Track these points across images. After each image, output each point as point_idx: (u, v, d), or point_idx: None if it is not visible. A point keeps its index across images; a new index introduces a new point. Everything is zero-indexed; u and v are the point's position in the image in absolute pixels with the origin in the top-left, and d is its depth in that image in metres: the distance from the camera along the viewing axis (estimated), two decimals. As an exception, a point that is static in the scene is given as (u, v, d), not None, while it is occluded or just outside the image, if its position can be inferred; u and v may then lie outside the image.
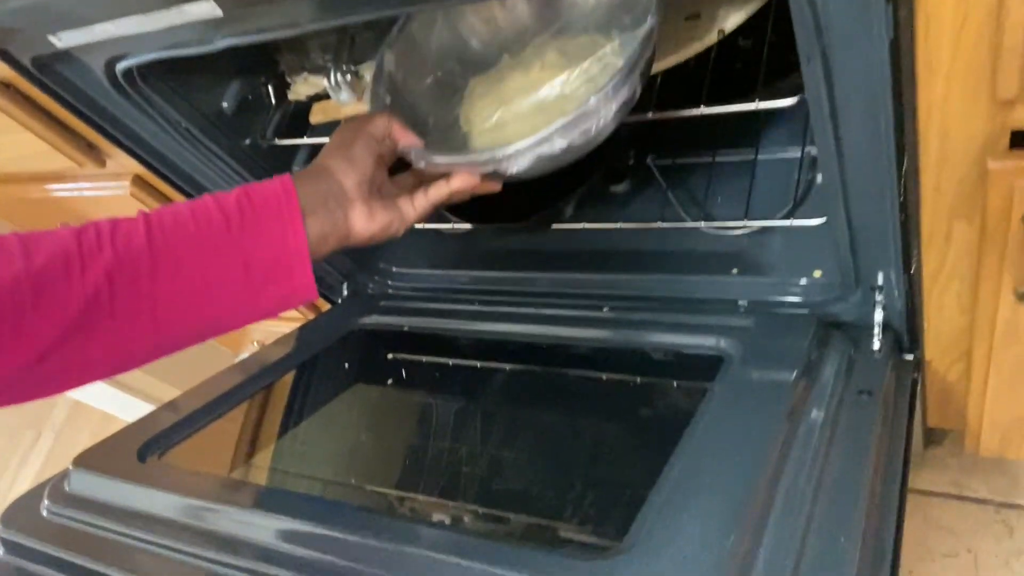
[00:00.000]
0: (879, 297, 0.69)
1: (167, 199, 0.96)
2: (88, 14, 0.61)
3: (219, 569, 0.59)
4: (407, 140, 0.65)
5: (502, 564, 0.50)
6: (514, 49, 0.73)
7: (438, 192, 0.66)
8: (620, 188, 0.93)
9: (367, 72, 0.80)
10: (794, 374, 0.65)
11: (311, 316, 1.13)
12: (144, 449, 0.72)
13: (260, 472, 0.81)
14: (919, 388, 0.74)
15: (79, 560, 0.63)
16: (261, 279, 0.58)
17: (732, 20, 0.68)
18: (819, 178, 0.79)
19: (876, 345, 0.69)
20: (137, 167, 0.88)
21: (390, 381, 0.92)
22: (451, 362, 0.92)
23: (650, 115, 0.72)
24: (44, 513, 0.69)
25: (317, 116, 0.84)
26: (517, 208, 0.92)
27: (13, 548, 0.66)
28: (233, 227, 0.57)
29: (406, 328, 0.93)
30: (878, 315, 0.69)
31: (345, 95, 0.78)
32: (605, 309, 0.83)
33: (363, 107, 0.79)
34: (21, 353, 0.50)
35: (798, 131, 0.85)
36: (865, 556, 0.49)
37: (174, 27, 0.61)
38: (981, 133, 0.51)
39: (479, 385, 0.88)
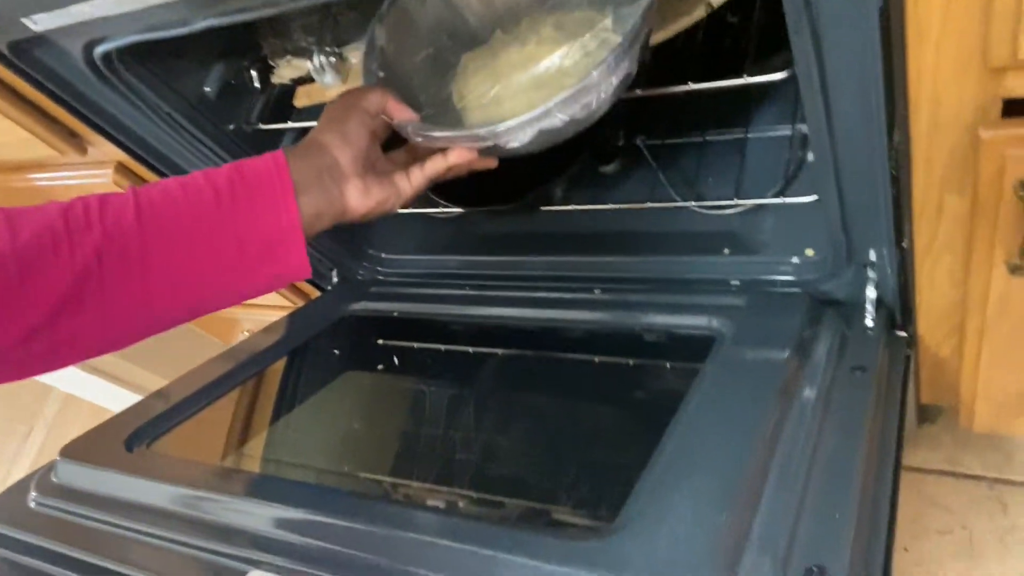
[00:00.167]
0: (871, 274, 0.69)
1: (151, 187, 0.94)
2: (62, -6, 0.60)
3: (210, 557, 0.58)
4: (403, 115, 0.64)
5: (495, 546, 0.50)
6: (507, 24, 0.72)
7: (434, 167, 0.65)
8: (610, 169, 0.92)
9: (351, 54, 0.79)
10: (787, 352, 0.64)
11: (300, 303, 1.12)
12: (132, 439, 0.71)
13: (251, 461, 0.81)
14: (912, 364, 0.74)
15: (67, 551, 0.62)
16: (253, 256, 0.57)
17: (718, -6, 0.67)
18: (810, 156, 0.78)
19: (869, 322, 0.69)
20: (119, 154, 0.86)
21: (381, 367, 0.92)
22: (442, 347, 0.91)
23: (638, 92, 0.71)
24: (32, 504, 0.68)
25: (302, 100, 0.83)
26: (506, 191, 0.91)
27: (1, 540, 0.66)
28: (224, 204, 0.56)
29: (396, 314, 0.92)
30: (870, 292, 0.69)
31: (329, 77, 0.77)
32: (597, 291, 0.83)
33: (347, 89, 0.78)
34: (8, 332, 0.49)
35: (788, 109, 0.84)
36: (860, 531, 0.49)
37: (152, 7, 0.60)
38: (972, 102, 0.50)
39: (470, 370, 0.87)
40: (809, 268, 0.75)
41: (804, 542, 0.47)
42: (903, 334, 0.73)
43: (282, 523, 0.58)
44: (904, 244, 0.65)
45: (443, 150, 0.64)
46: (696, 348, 0.69)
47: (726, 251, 0.81)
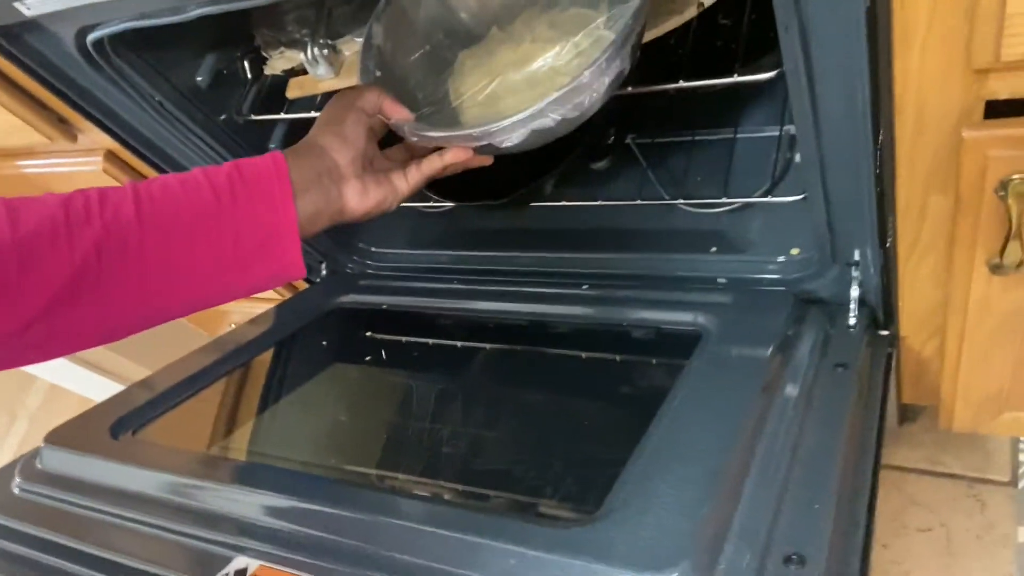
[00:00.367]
0: (855, 273, 0.70)
1: (140, 175, 0.94)
2: (55, -22, 0.60)
3: (195, 543, 0.58)
4: (399, 115, 0.64)
5: (480, 533, 0.50)
6: (503, 22, 0.72)
7: (431, 166, 0.66)
8: (600, 165, 0.93)
9: (345, 47, 0.79)
10: (771, 349, 0.65)
11: (289, 296, 1.12)
12: (117, 426, 0.71)
13: (236, 451, 0.80)
14: (894, 362, 0.75)
15: (51, 536, 0.62)
16: (249, 256, 0.58)
17: (710, -6, 0.67)
18: (797, 158, 0.79)
19: (852, 321, 0.70)
20: (110, 142, 0.86)
21: (369, 359, 0.92)
22: (430, 341, 0.91)
23: (630, 89, 0.72)
24: (16, 491, 0.68)
25: (294, 91, 0.83)
26: (498, 187, 0.92)
27: (-16, 525, 0.65)
28: (223, 203, 0.57)
29: (385, 307, 0.93)
30: (854, 291, 0.70)
31: (322, 69, 0.77)
32: (585, 287, 0.83)
33: (340, 82, 0.78)
34: (7, 322, 0.50)
35: (777, 110, 0.85)
36: (839, 523, 0.50)
37: (145, -7, 0.60)
38: (956, 103, 0.51)
39: (458, 363, 0.88)
40: (794, 267, 0.76)
41: (784, 532, 0.48)
42: (886, 333, 0.74)
43: (268, 510, 0.58)
44: (888, 244, 0.66)
45: (439, 149, 0.65)
46: (682, 344, 0.70)
47: (713, 249, 0.82)
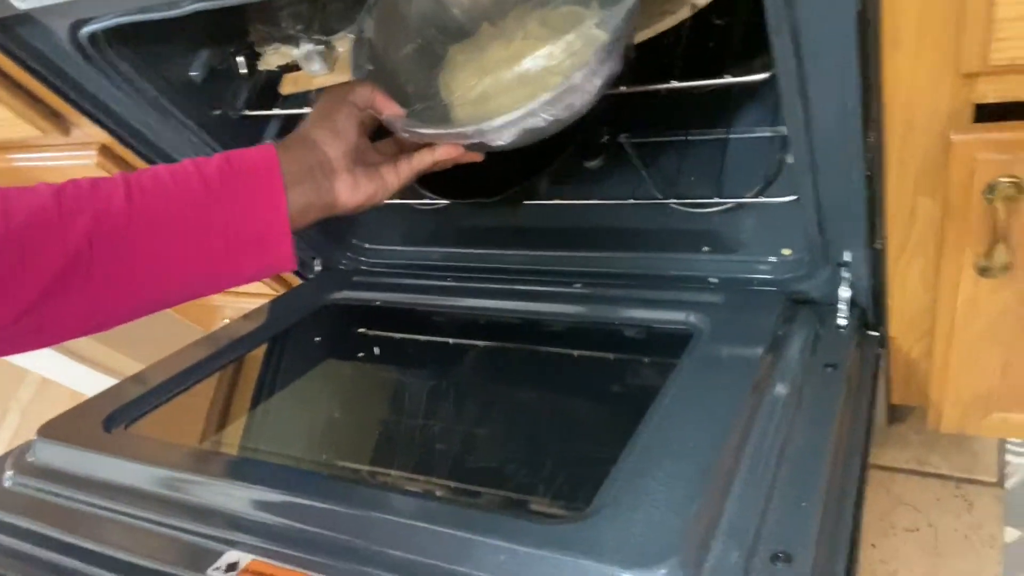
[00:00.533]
0: (846, 274, 0.70)
1: (133, 170, 0.94)
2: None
3: (187, 537, 0.58)
4: (391, 110, 0.65)
5: (471, 528, 0.51)
6: (495, 18, 0.72)
7: (422, 161, 0.66)
8: (594, 164, 0.93)
9: (339, 43, 0.79)
10: (761, 349, 0.66)
11: (282, 291, 1.12)
12: (110, 419, 0.71)
13: (229, 446, 0.81)
14: (883, 362, 0.75)
15: (43, 529, 0.62)
16: (239, 246, 0.58)
17: (703, -5, 0.68)
18: (789, 158, 0.79)
19: (842, 321, 0.71)
20: (103, 136, 0.86)
21: (361, 356, 0.92)
22: (423, 338, 0.92)
23: (623, 88, 0.72)
24: (7, 484, 0.68)
25: (287, 87, 0.83)
26: (491, 184, 0.92)
27: (-25, 519, 0.65)
28: (213, 193, 0.57)
29: (378, 303, 0.93)
30: (844, 292, 0.71)
31: (316, 65, 0.77)
32: (577, 285, 0.84)
33: (334, 78, 0.78)
34: (1, 312, 0.50)
35: (770, 111, 0.85)
36: (826, 521, 0.50)
37: (140, -13, 0.60)
38: (945, 106, 0.52)
39: (451, 360, 0.88)
40: (786, 267, 0.77)
41: (771, 530, 0.49)
42: (875, 334, 0.75)
43: (260, 504, 0.59)
44: (878, 246, 0.66)
45: (430, 145, 0.65)
46: (673, 343, 0.71)
47: (705, 249, 0.83)
